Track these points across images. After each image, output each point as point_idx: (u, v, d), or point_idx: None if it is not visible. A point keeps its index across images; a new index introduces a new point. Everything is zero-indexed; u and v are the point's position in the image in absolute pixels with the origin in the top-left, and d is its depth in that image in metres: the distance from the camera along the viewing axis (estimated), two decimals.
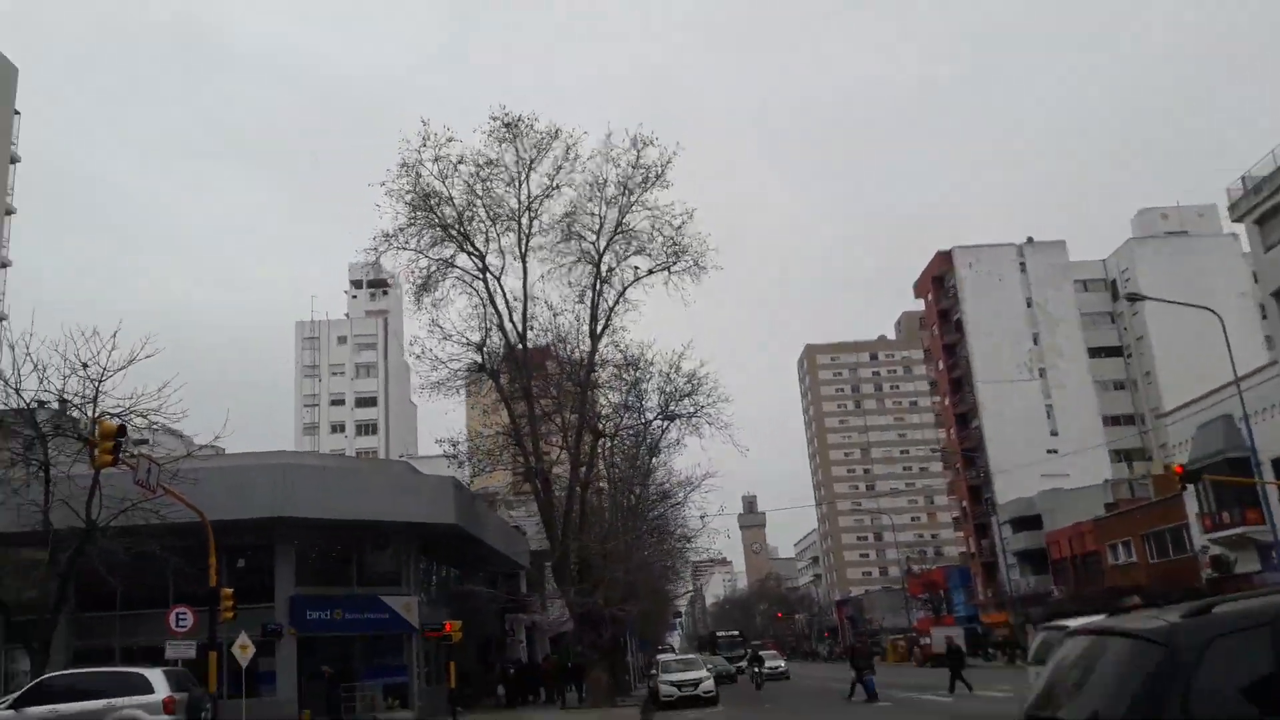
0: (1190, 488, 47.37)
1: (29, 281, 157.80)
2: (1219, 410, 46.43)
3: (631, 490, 39.44)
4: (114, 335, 23.22)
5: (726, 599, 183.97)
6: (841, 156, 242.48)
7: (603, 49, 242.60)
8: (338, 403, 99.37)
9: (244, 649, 23.66)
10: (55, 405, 24.39)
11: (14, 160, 53.73)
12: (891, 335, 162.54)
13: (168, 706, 18.00)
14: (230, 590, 23.79)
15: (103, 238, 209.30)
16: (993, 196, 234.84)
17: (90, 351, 23.24)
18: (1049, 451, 78.02)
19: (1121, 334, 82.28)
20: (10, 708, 18.92)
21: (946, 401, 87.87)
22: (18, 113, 53.88)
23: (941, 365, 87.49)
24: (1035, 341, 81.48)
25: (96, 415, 23.43)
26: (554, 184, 33.33)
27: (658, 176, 33.75)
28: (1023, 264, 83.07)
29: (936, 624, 79.76)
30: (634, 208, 33.82)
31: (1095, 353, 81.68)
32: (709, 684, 32.61)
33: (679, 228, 33.68)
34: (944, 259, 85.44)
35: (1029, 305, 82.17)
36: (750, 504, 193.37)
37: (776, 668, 50.93)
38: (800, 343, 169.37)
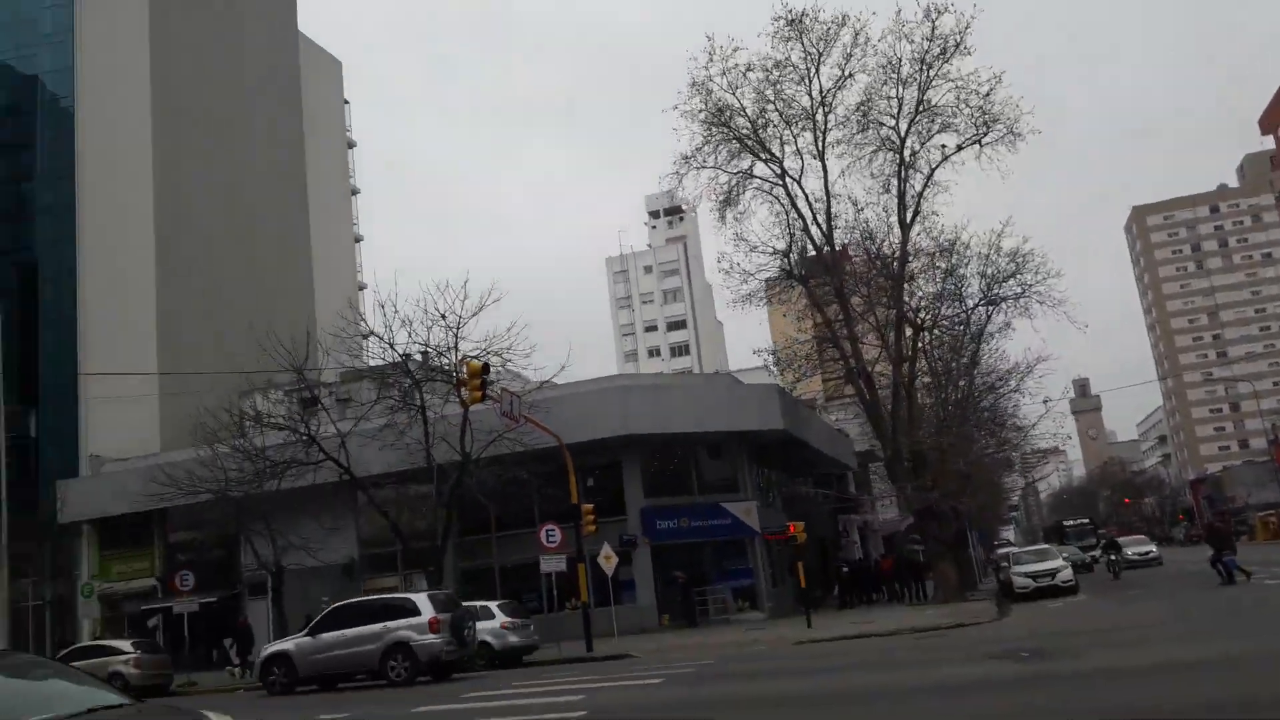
0: None
1: (377, 252, 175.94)
2: None
3: (957, 382, 37.99)
4: (464, 285, 25.71)
5: (1063, 489, 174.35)
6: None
7: None
8: (650, 329, 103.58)
9: (608, 559, 25.55)
10: (420, 355, 27.36)
11: (351, 145, 60.06)
12: (1234, 183, 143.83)
13: (432, 626, 19.76)
14: (590, 505, 25.74)
15: (427, 206, 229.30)
16: None
17: (445, 303, 25.81)
18: None
19: None
20: (308, 633, 21.27)
21: None
22: (347, 102, 59.99)
23: None
24: None
25: (459, 359, 26.02)
26: (845, 74, 32.27)
27: (957, 45, 31.75)
28: None
29: None
30: (934, 82, 32.09)
31: None
32: (1067, 573, 31.12)
33: (987, 95, 31.60)
34: None
35: None
36: (1082, 388, 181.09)
37: (1147, 553, 47.30)
38: (1124, 206, 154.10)
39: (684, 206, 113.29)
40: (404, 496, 28.85)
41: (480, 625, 22.38)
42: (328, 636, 20.84)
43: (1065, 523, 63.81)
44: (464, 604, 24.44)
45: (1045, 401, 36.41)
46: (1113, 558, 39.44)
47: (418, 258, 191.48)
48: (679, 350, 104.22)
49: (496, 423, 25.84)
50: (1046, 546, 37.20)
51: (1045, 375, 36.44)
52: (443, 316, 26.19)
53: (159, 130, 45.04)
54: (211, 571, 33.45)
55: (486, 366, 21.69)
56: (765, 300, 35.13)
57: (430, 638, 19.68)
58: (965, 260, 35.05)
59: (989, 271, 35.04)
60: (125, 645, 27.12)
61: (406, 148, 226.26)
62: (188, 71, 46.88)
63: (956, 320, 37.86)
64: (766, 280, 34.21)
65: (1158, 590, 29.10)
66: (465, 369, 21.55)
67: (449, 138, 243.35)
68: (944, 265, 35.69)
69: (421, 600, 20.83)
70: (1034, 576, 31.06)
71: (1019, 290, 34.59)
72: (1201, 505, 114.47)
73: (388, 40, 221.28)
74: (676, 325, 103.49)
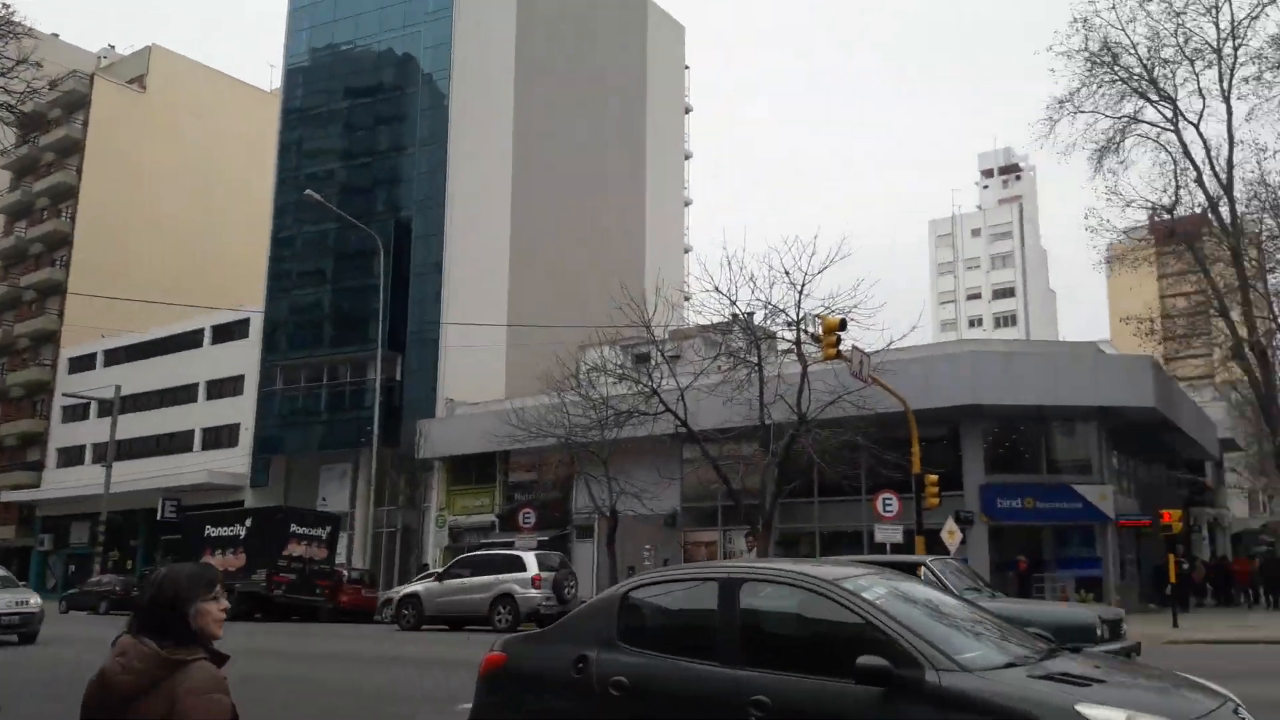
0: None
1: (701, 213, 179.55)
2: None
3: None
4: (814, 239, 25.01)
5: None
6: None
7: None
8: (974, 297, 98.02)
9: (952, 535, 23.96)
10: (761, 313, 26.88)
11: (687, 110, 60.96)
12: None
13: (535, 582, 22.28)
14: (935, 476, 24.22)
15: (746, 166, 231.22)
16: None
17: (791, 259, 25.19)
18: None
19: None
20: (437, 579, 24.27)
21: None
22: (687, 67, 60.91)
23: None
24: None
25: (800, 317, 25.34)
26: (1264, 1, 28.19)
27: None
28: None
29: None
30: None
31: None
32: None
33: None
34: None
35: None
36: None
37: None
38: None
39: (1021, 166, 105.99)
40: (734, 453, 28.72)
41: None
42: (451, 583, 23.47)
43: None
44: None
45: None
46: None
47: (737, 219, 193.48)
48: (1004, 320, 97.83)
49: (834, 383, 24.98)
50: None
51: None
52: (786, 273, 25.59)
53: (519, 101, 47.91)
54: (546, 511, 35.26)
55: (844, 322, 20.81)
56: (1144, 261, 31.58)
57: (532, 592, 22.05)
58: None
59: None
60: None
61: (731, 106, 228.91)
62: (545, 44, 49.41)
63: None
64: (1143, 240, 30.77)
65: None
66: (821, 324, 20.79)
67: (772, 94, 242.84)
68: None
69: (529, 558, 23.15)
70: None
71: None
72: None
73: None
74: (1003, 293, 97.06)
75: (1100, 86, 30.82)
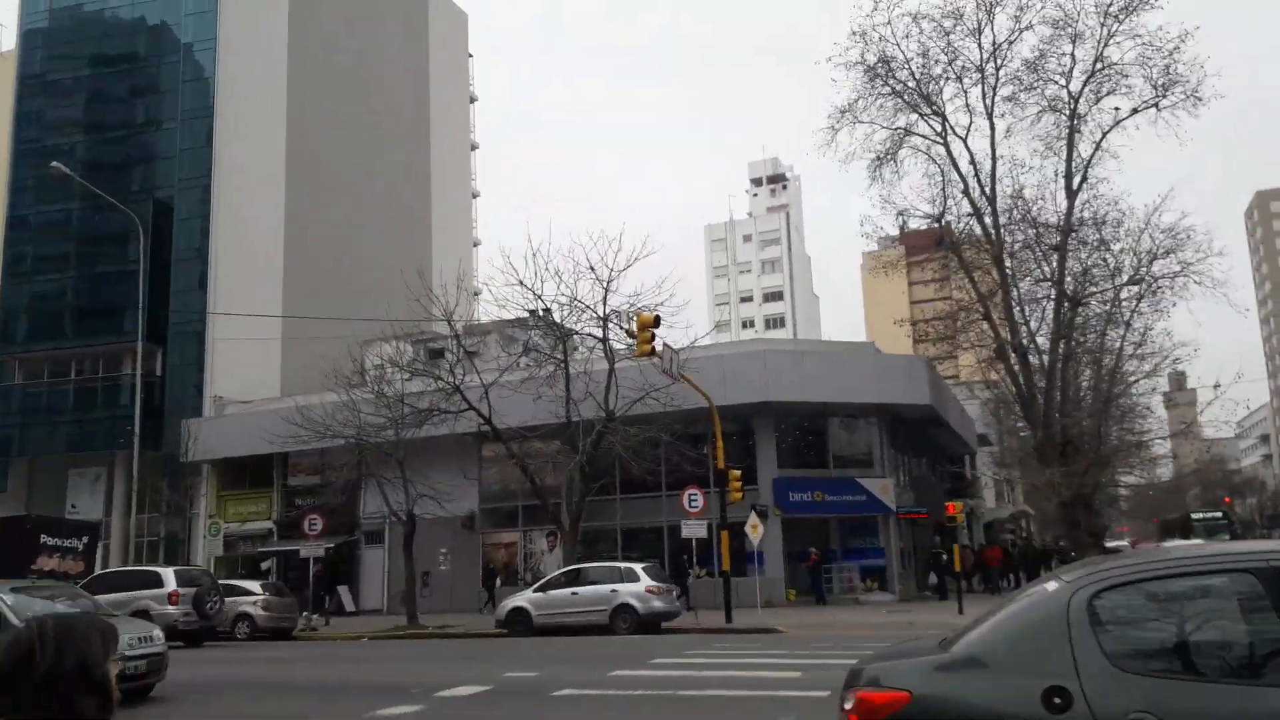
0: None
1: (484, 206, 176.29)
2: None
3: (1109, 364, 35.84)
4: (620, 236, 24.73)
5: (1147, 485, 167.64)
6: None
7: None
8: (746, 299, 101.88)
9: (755, 528, 24.44)
10: (565, 308, 26.39)
11: (472, 100, 59.42)
12: None
13: (172, 599, 21.56)
14: (738, 471, 24.62)
15: (531, 162, 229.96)
16: None
17: (597, 255, 24.87)
18: None
19: None
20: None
21: None
22: (470, 55, 59.32)
23: None
24: None
25: (607, 314, 25.08)
26: (1021, 26, 30.39)
27: (1139, 1, 29.60)
28: None
29: None
30: (1115, 38, 29.97)
31: None
32: None
33: (1172, 53, 29.38)
34: None
35: None
36: (1178, 380, 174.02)
37: None
38: (1247, 189, 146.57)
39: (787, 175, 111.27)
40: (539, 451, 28.10)
41: (624, 588, 22.06)
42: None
43: (1194, 515, 55.25)
44: (611, 564, 23.88)
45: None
46: None
47: (528, 215, 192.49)
48: (774, 322, 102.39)
49: (640, 380, 24.97)
50: (1200, 543, 34.58)
51: (1185, 361, 33.68)
52: (592, 269, 25.29)
53: (294, 78, 44.86)
54: (333, 517, 33.26)
55: (658, 319, 20.67)
56: (916, 266, 33.44)
57: (169, 609, 21.13)
58: (1116, 237, 32.91)
59: (1140, 249, 32.88)
60: (254, 586, 26.97)
61: (514, 103, 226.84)
62: (323, 22, 46.66)
63: (1106, 298, 35.73)
64: (908, 247, 32.57)
65: None
66: (635, 320, 20.55)
67: (554, 97, 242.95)
68: (1102, 237, 33.64)
69: (167, 573, 22.32)
70: None
71: (1177, 268, 32.39)
72: None
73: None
74: (773, 297, 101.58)
75: (878, 99, 32.32)
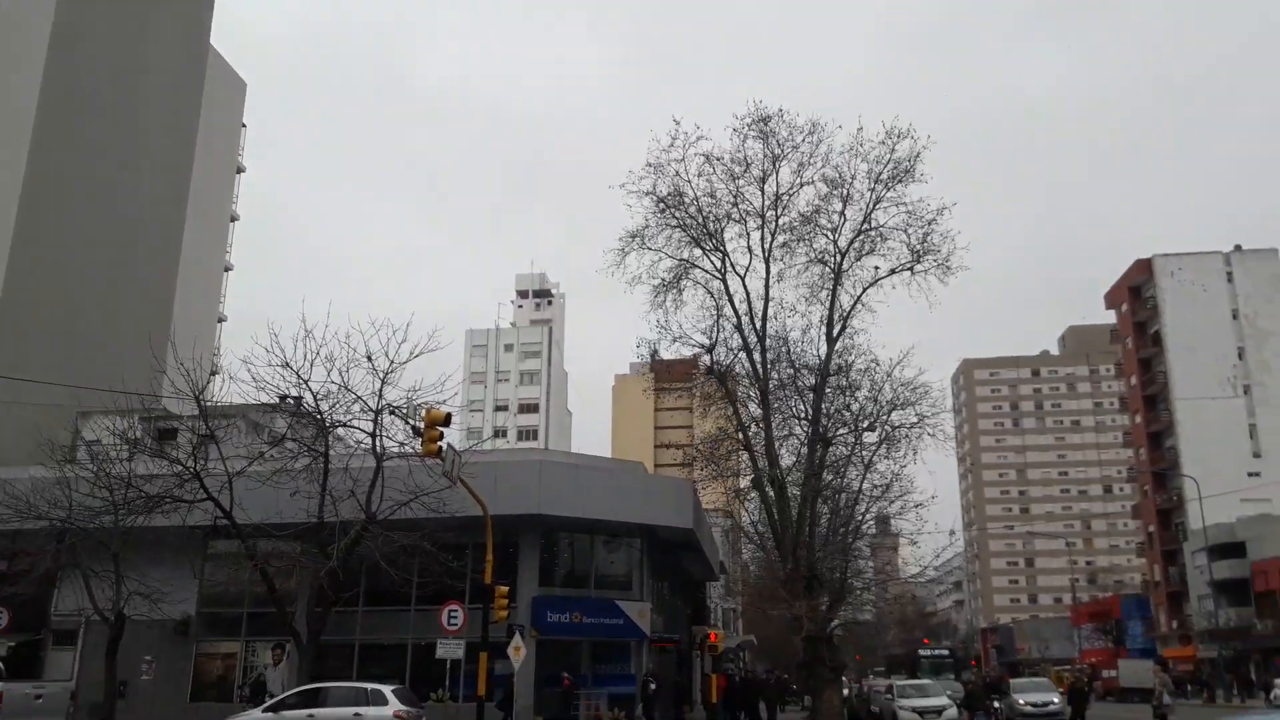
0: None
1: (236, 283, 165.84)
2: None
3: (854, 505, 37.67)
4: (406, 327, 23.28)
5: (854, 623, 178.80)
6: (1013, 172, 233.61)
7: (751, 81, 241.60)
8: (501, 408, 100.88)
9: (518, 650, 23.13)
10: (329, 400, 24.44)
11: (240, 170, 55.99)
12: (1055, 351, 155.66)
13: None
14: (505, 588, 23.34)
15: (294, 252, 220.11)
16: (1178, 208, 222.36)
17: (377, 344, 23.37)
18: (1251, 474, 72.64)
19: None
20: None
21: (1139, 419, 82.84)
22: (244, 125, 56.16)
23: (1135, 381, 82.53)
24: (1240, 356, 76.09)
25: (381, 407, 23.46)
26: (801, 181, 32.28)
27: (906, 171, 32.34)
28: (1229, 273, 77.79)
29: (1124, 655, 74.93)
30: (882, 204, 32.49)
31: None
32: (952, 712, 30.68)
33: (930, 223, 32.14)
34: (1142, 267, 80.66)
35: (1235, 318, 76.82)
36: (884, 522, 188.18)
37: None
38: (955, 358, 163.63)
39: (553, 291, 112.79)
40: (282, 553, 25.43)
41: (369, 713, 20.05)
42: None
43: (921, 653, 56.40)
44: (355, 684, 21.66)
45: (951, 533, 36.39)
46: (996, 705, 33.03)
47: (275, 299, 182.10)
48: (526, 434, 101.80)
49: (409, 482, 23.44)
50: (928, 681, 36.41)
51: (928, 506, 35.79)
52: (369, 358, 23.70)
53: (44, 111, 40.44)
54: (21, 610, 28.53)
55: (449, 416, 19.42)
56: (686, 391, 34.02)
57: None
58: (857, 385, 34.92)
59: (881, 399, 35.13)
60: None
61: (281, 188, 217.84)
62: (87, 58, 42.63)
63: (849, 441, 37.75)
64: (657, 375, 33.19)
65: None
66: (426, 416, 19.20)
67: (326, 190, 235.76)
68: (849, 383, 35.66)
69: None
70: (920, 712, 30.39)
71: (914, 419, 34.80)
72: (989, 654, 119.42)
73: (284, 73, 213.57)
74: (529, 408, 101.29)
75: (665, 229, 33.28)
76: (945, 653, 56.83)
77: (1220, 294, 77.06)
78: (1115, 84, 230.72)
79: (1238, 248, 79.43)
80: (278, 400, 26.35)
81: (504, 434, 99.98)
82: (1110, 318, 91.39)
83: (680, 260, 32.81)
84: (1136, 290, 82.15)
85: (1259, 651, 60.18)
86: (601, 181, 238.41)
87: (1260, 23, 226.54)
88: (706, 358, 34.07)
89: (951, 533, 36.23)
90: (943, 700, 31.48)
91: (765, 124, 31.66)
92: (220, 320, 53.21)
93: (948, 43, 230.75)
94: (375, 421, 23.49)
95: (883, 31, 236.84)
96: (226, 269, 55.15)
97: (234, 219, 55.75)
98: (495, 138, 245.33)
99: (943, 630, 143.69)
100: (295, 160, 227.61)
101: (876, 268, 33.46)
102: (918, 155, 32.09)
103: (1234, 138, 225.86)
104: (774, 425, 33.51)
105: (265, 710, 20.55)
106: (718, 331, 33.67)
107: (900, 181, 32.19)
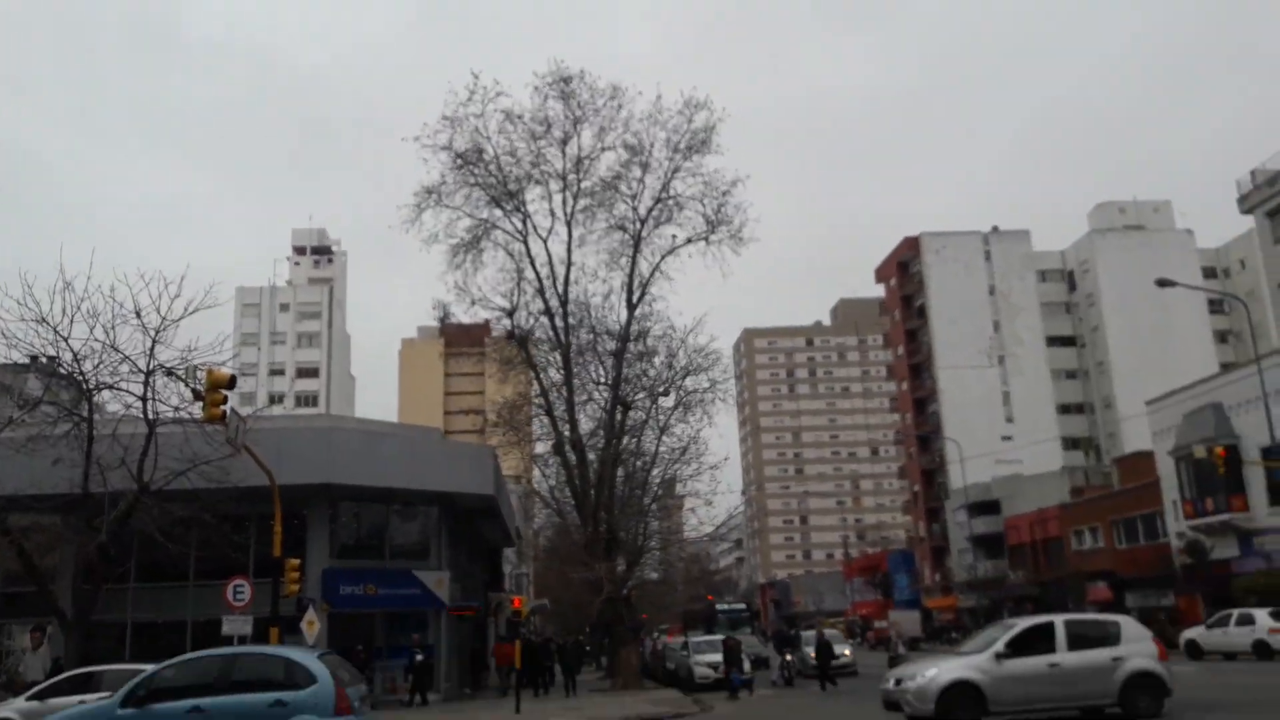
0: (1173, 473, 48.86)
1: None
2: (1198, 401, 47.63)
3: (650, 468, 38.24)
4: (180, 281, 21.21)
5: (646, 581, 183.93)
6: (794, 155, 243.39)
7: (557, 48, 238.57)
8: (277, 373, 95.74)
9: (311, 625, 21.92)
10: (94, 358, 22.15)
11: None
12: (827, 322, 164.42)
13: None
14: (297, 561, 22.04)
15: (46, 204, 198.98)
16: (944, 194, 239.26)
17: (148, 298, 21.32)
18: (1004, 438, 79.54)
19: (1076, 324, 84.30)
20: None
21: (905, 386, 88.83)
22: None
23: (902, 350, 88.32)
24: (996, 329, 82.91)
25: (152, 368, 21.47)
26: (603, 145, 32.11)
27: (703, 142, 32.84)
28: (987, 252, 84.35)
29: (891, 606, 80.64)
30: (680, 174, 32.85)
31: (1052, 342, 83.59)
32: (747, 664, 31.74)
33: (725, 194, 32.81)
34: (910, 244, 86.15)
35: (991, 293, 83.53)
36: (668, 485, 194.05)
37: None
38: (737, 327, 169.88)
39: (333, 248, 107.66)
40: (40, 527, 22.97)
41: None
42: None
43: (719, 608, 55.28)
44: (135, 665, 19.80)
45: (743, 493, 37.50)
46: (788, 657, 31.91)
47: (23, 253, 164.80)
48: (306, 400, 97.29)
49: (185, 449, 21.64)
50: (718, 637, 37.36)
51: (715, 468, 36.68)
52: (138, 313, 21.60)
53: None
54: None
55: (233, 379, 17.88)
56: (483, 355, 33.30)
57: None
58: (654, 351, 35.43)
59: (680, 364, 35.84)
60: None
61: (28, 135, 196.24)
62: None
63: (646, 405, 38.29)
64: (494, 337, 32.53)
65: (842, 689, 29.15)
66: (208, 378, 17.56)
67: (85, 140, 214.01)
68: (646, 348, 36.10)
69: None
70: (714, 666, 31.24)
71: (706, 385, 35.67)
72: (768, 608, 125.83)
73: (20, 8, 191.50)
74: (308, 373, 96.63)
75: (464, 187, 32.33)
76: (742, 607, 58.60)
77: (979, 271, 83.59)
78: (894, 78, 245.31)
79: (995, 229, 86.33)
80: (28, 360, 23.75)
81: (281, 400, 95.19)
82: (880, 291, 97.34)
83: (480, 220, 32.10)
84: (904, 266, 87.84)
85: (1012, 599, 66.15)
86: (387, 144, 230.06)
87: (1022, 31, 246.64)
88: (507, 321, 33.53)
89: (744, 493, 37.46)
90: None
91: (567, 84, 31.29)
92: None
93: (742, 28, 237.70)
94: (146, 383, 21.47)
95: (678, 14, 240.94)
96: None
97: None
98: (273, 93, 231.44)
99: (724, 586, 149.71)
100: (47, 108, 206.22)
101: (674, 236, 33.99)
102: (713, 127, 32.73)
103: (995, 132, 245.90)
104: (574, 390, 33.46)
105: (29, 699, 18.49)
106: (519, 295, 33.28)
107: (698, 152, 32.72)
